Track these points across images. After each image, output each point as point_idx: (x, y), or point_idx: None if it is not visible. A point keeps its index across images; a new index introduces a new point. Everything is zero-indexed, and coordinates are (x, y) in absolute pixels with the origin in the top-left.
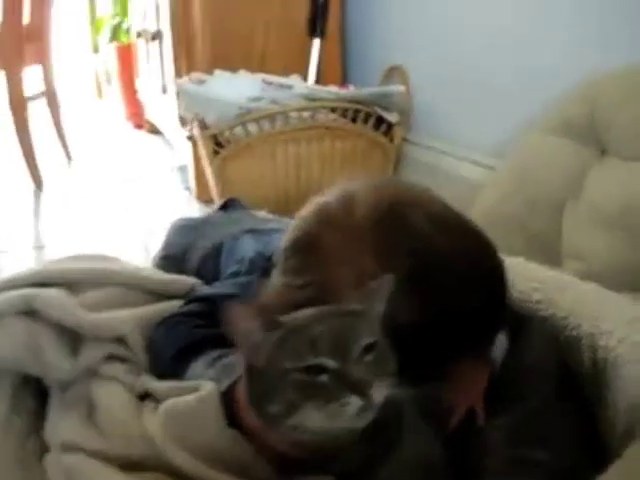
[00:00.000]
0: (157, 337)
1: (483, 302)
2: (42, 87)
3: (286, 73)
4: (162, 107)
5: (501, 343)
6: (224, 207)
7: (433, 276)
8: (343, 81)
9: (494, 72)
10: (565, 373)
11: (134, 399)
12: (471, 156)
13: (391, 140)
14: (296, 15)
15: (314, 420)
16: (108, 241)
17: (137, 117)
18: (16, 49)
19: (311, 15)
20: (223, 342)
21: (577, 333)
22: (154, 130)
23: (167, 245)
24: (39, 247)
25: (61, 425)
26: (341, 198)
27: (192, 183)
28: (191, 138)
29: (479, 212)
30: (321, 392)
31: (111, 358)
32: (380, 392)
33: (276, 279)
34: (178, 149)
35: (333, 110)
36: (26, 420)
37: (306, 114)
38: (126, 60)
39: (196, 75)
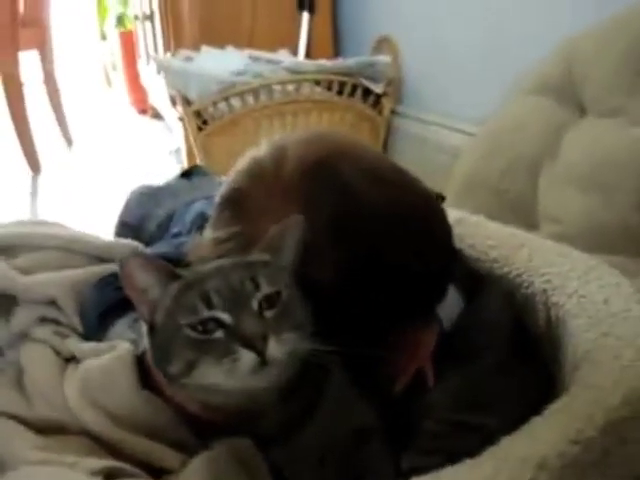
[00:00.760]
0: (85, 299)
1: (418, 258)
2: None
3: (275, 49)
4: (158, 89)
5: (454, 302)
6: (187, 174)
7: (357, 227)
8: (335, 55)
9: (484, 42)
10: (519, 332)
11: (62, 362)
12: (462, 127)
13: (380, 112)
14: None
15: (212, 378)
16: (102, 224)
17: (141, 102)
18: (10, 34)
19: None
20: None
21: (531, 291)
22: (157, 115)
23: (125, 212)
24: None
25: None
26: (272, 152)
27: (185, 164)
28: (182, 119)
29: (456, 178)
30: (214, 348)
31: (44, 321)
32: (279, 347)
33: (207, 233)
34: (174, 131)
35: (318, 83)
36: None
37: (290, 87)
38: (129, 45)
39: (183, 52)
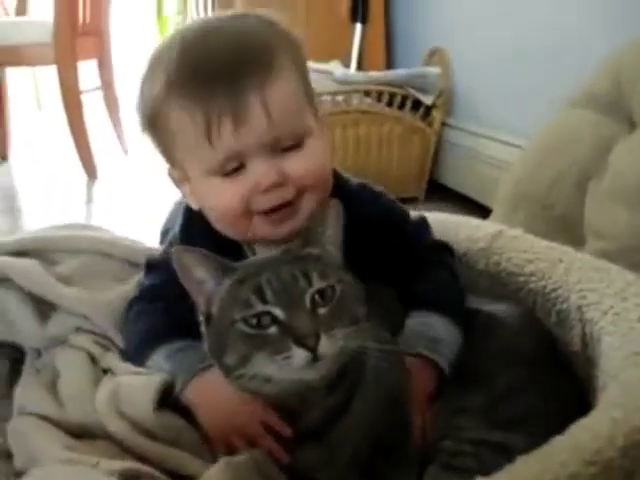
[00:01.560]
0: (125, 328)
1: None
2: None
3: (327, 60)
4: None
5: (452, 339)
6: None
7: None
8: (387, 66)
9: (535, 55)
10: (547, 350)
11: (97, 371)
12: (512, 140)
13: (430, 124)
14: (338, 1)
15: (265, 370)
16: (152, 232)
17: None
18: (69, 44)
19: (353, 1)
20: (183, 325)
21: (567, 306)
22: None
23: (168, 220)
24: None
25: (22, 390)
26: None
27: None
28: None
29: (503, 191)
30: (268, 343)
31: (79, 330)
32: (330, 345)
33: None
34: None
35: (368, 94)
36: None
37: (340, 98)
38: None
39: None
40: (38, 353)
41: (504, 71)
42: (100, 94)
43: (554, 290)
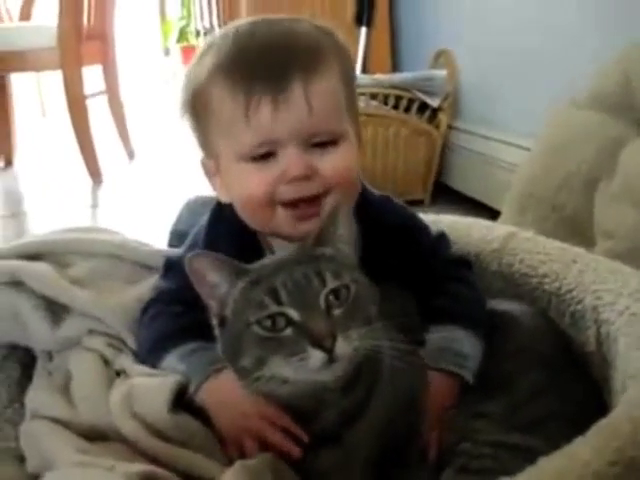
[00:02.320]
0: (138, 331)
1: None
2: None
3: None
4: None
5: (474, 351)
6: None
7: None
8: (392, 70)
9: (542, 57)
10: (563, 352)
11: (110, 373)
12: (519, 142)
13: (436, 127)
14: (343, 5)
15: (282, 372)
16: (159, 235)
17: None
18: (74, 49)
19: (358, 4)
20: (198, 329)
21: (582, 307)
22: None
23: (177, 221)
24: None
25: (34, 393)
26: None
27: None
28: None
29: (512, 193)
30: (284, 346)
31: (92, 332)
32: (346, 345)
33: None
34: None
35: (374, 97)
36: (9, 389)
37: None
38: (189, 59)
39: None
40: (49, 356)
41: (510, 73)
42: (105, 99)
43: (569, 291)
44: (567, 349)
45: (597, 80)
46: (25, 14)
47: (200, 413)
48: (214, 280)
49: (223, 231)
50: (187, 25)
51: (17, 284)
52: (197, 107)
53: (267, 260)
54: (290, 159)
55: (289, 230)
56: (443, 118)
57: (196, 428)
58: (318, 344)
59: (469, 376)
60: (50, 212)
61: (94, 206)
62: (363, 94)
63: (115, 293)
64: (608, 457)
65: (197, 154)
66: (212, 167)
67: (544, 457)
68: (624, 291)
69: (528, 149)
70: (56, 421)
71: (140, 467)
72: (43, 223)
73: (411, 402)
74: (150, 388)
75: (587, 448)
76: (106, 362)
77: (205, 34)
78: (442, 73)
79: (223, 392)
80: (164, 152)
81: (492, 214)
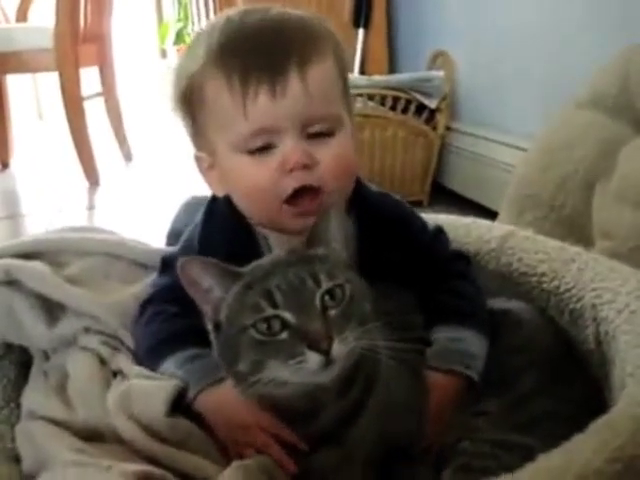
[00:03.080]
0: (135, 331)
1: None
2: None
3: None
4: None
5: (479, 350)
6: None
7: None
8: (390, 71)
9: (540, 58)
10: (563, 350)
11: (107, 372)
12: (517, 143)
13: (434, 128)
14: (340, 6)
15: (279, 375)
16: (157, 237)
17: None
18: (71, 50)
19: (355, 6)
20: (197, 332)
21: (581, 305)
22: None
23: (174, 221)
24: None
25: (30, 393)
26: None
27: None
28: None
29: (510, 194)
30: (280, 349)
31: (89, 331)
32: (343, 346)
33: None
34: None
35: (371, 98)
36: (5, 389)
37: None
38: None
39: None
40: (46, 356)
41: (508, 74)
42: (102, 101)
43: (568, 290)
44: (566, 347)
45: (596, 81)
46: (22, 15)
47: (197, 416)
48: (207, 285)
49: (217, 226)
50: (184, 27)
51: (12, 283)
52: (191, 100)
53: (260, 262)
54: (289, 148)
55: (290, 225)
56: (441, 119)
57: (192, 430)
58: (315, 347)
59: (476, 376)
60: (47, 214)
61: (91, 208)
62: (360, 95)
63: (111, 291)
64: (608, 455)
65: (191, 149)
66: (207, 161)
67: (543, 455)
68: (623, 289)
69: (526, 150)
70: (52, 421)
71: (136, 467)
72: (40, 225)
73: (410, 401)
74: (148, 391)
75: (587, 446)
76: (102, 361)
77: None
78: (440, 74)
79: (221, 403)
80: (161, 154)
81: (490, 215)
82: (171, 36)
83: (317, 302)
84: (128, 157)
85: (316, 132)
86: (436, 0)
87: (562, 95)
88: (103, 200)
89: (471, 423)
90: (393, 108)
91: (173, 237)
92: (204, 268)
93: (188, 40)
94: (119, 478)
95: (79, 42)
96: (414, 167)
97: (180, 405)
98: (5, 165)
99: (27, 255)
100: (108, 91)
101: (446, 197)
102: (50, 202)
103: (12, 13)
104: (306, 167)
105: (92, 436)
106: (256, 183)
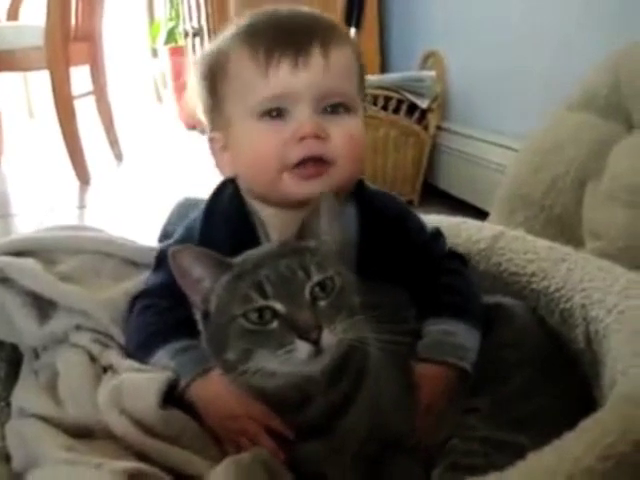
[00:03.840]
0: (127, 324)
1: None
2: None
3: None
4: None
5: (472, 343)
6: None
7: None
8: (382, 71)
9: (531, 59)
10: (553, 348)
11: (97, 369)
12: (508, 143)
13: (425, 128)
14: (332, 6)
15: (268, 365)
16: (149, 236)
17: (189, 117)
18: (61, 49)
19: (347, 6)
20: (189, 324)
21: (570, 305)
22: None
23: (167, 222)
24: None
25: (21, 391)
26: None
27: None
28: None
29: (501, 194)
30: (270, 338)
31: (80, 328)
32: (333, 336)
33: None
34: None
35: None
36: None
37: None
38: (178, 60)
39: None
40: (36, 354)
41: (499, 74)
42: (93, 100)
43: (557, 290)
44: (557, 346)
45: (587, 81)
46: (13, 14)
47: (190, 409)
48: (198, 274)
49: (219, 217)
50: (176, 26)
51: (4, 280)
52: (215, 73)
53: (251, 253)
54: (303, 117)
55: (293, 190)
56: (432, 119)
57: (186, 424)
58: (304, 336)
59: (469, 368)
60: (38, 213)
61: (82, 207)
62: None
63: (103, 289)
64: (599, 453)
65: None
66: (220, 142)
67: (534, 453)
68: (613, 289)
69: (517, 150)
70: (43, 419)
71: (127, 464)
72: (31, 224)
73: (400, 394)
74: (139, 383)
75: (578, 444)
76: (92, 358)
77: (194, 35)
78: (431, 74)
79: (211, 391)
80: (152, 153)
81: (481, 215)
82: (162, 35)
83: (307, 293)
84: (119, 156)
85: (332, 105)
86: (428, 0)
87: (555, 95)
88: (94, 199)
89: (461, 420)
90: (385, 108)
91: (165, 239)
92: (196, 257)
93: (179, 39)
94: (110, 475)
95: (70, 41)
96: (405, 167)
97: (172, 397)
98: None
99: (18, 253)
100: (99, 90)
101: (437, 197)
102: (41, 201)
103: (3, 12)
104: (317, 137)
105: (83, 433)
106: (266, 149)
